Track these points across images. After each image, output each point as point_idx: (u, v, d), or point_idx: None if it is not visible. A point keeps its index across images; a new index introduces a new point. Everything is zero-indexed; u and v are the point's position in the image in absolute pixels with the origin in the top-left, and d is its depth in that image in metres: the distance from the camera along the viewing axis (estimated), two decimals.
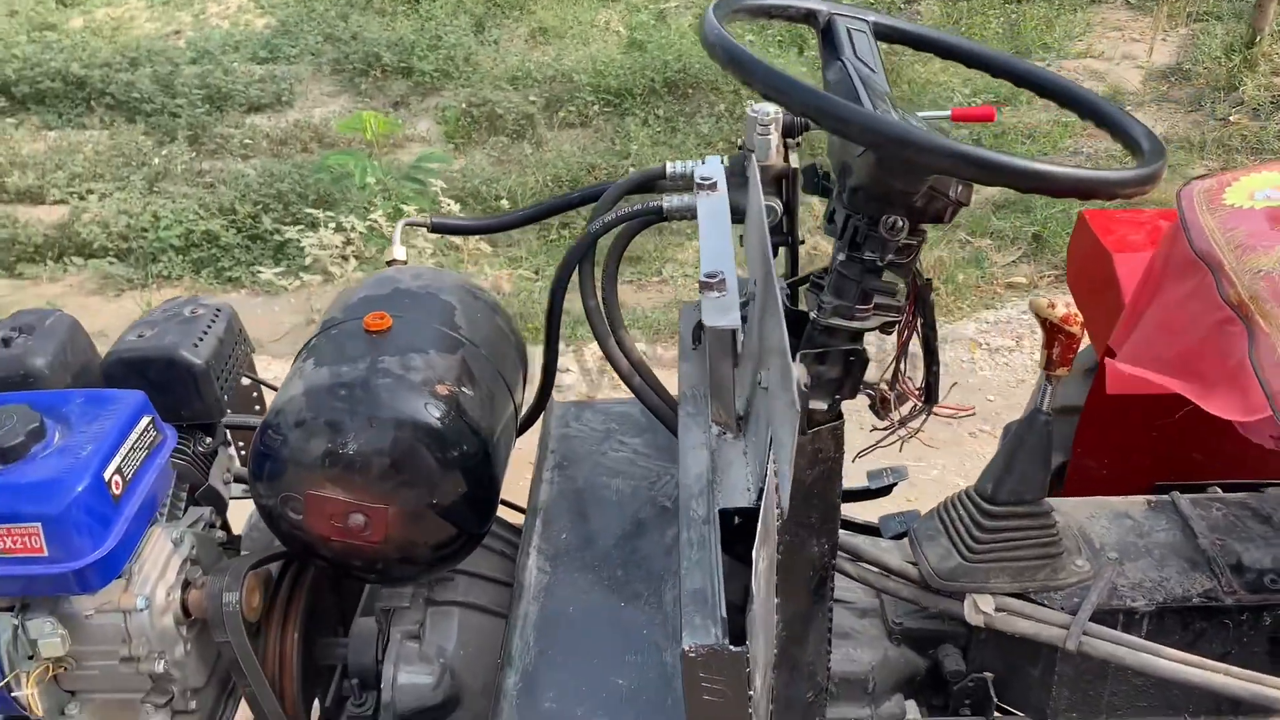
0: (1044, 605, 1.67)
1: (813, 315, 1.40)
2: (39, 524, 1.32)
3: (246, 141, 6.75)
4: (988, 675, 1.76)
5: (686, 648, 1.23)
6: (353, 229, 4.62)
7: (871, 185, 1.23)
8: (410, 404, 1.51)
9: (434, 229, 1.81)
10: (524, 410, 1.94)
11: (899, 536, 1.81)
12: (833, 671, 1.75)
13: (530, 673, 1.54)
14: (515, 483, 1.92)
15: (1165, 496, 1.88)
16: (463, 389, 1.56)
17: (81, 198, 5.98)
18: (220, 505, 1.73)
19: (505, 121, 6.77)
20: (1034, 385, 1.69)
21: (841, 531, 1.76)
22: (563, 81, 7.16)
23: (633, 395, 1.82)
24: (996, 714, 1.76)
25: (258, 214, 5.65)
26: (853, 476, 1.65)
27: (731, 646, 1.23)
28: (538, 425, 2.01)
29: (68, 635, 1.46)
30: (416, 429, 1.50)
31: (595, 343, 1.76)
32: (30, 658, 1.47)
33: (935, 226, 1.35)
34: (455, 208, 4.97)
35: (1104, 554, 1.75)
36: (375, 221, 4.76)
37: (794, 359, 1.37)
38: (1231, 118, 6.47)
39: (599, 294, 1.75)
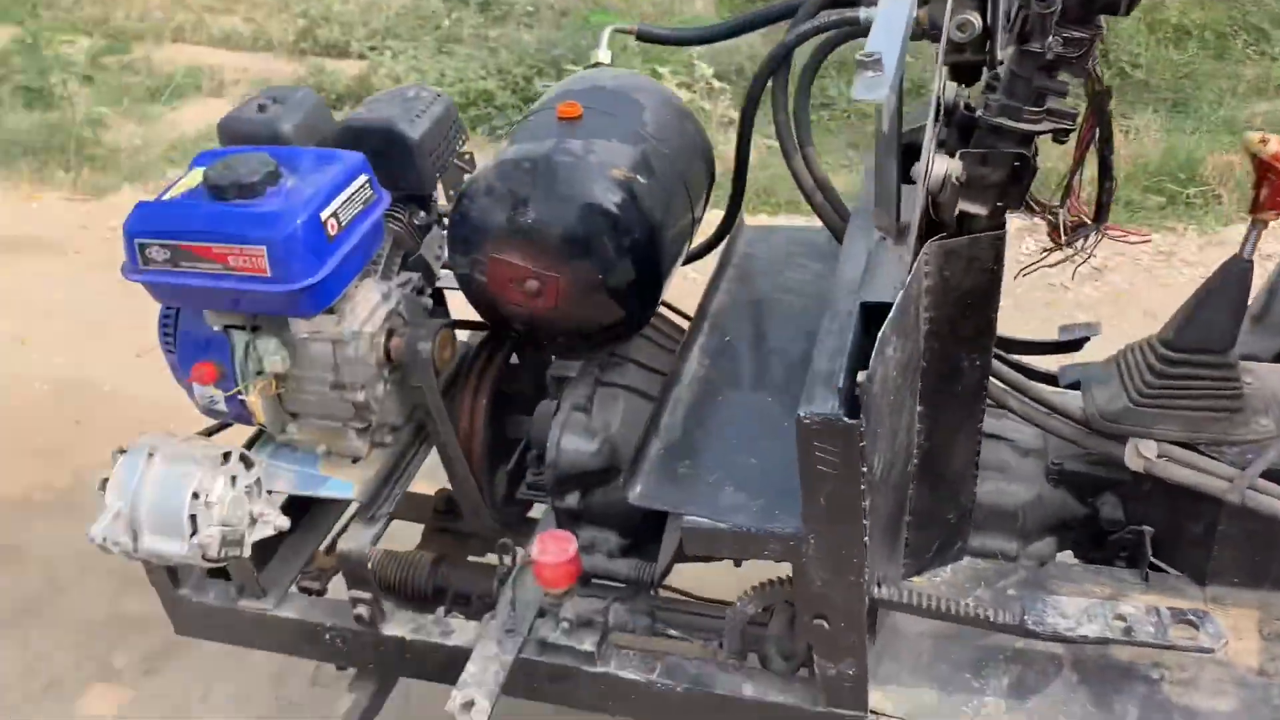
0: (1213, 458, 1.60)
1: (979, 114, 1.38)
2: (264, 247, 1.54)
3: (529, 9, 7.04)
4: (1147, 529, 1.71)
5: (802, 414, 1.29)
6: None
7: None
8: (587, 184, 1.62)
9: (640, 36, 1.89)
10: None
11: (1073, 386, 1.77)
12: (982, 502, 1.75)
13: (672, 444, 1.65)
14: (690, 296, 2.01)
15: None
16: (638, 178, 1.66)
17: (379, 53, 6.47)
18: (429, 275, 1.93)
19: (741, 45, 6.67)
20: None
21: (1015, 373, 1.74)
22: None
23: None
24: (1151, 570, 1.71)
25: (531, 76, 5.93)
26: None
27: (846, 418, 1.28)
28: None
29: (288, 356, 1.70)
30: (590, 207, 1.62)
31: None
32: (258, 373, 1.72)
33: (1113, 21, 1.29)
34: (708, 72, 5.05)
35: None
36: None
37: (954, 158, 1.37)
38: None
39: (790, 108, 1.77)
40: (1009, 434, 1.82)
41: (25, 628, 2.68)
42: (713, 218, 1.99)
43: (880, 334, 1.29)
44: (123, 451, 1.67)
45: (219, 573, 1.96)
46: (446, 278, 1.96)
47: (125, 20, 7.40)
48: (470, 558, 2.15)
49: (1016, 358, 1.86)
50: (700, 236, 2.02)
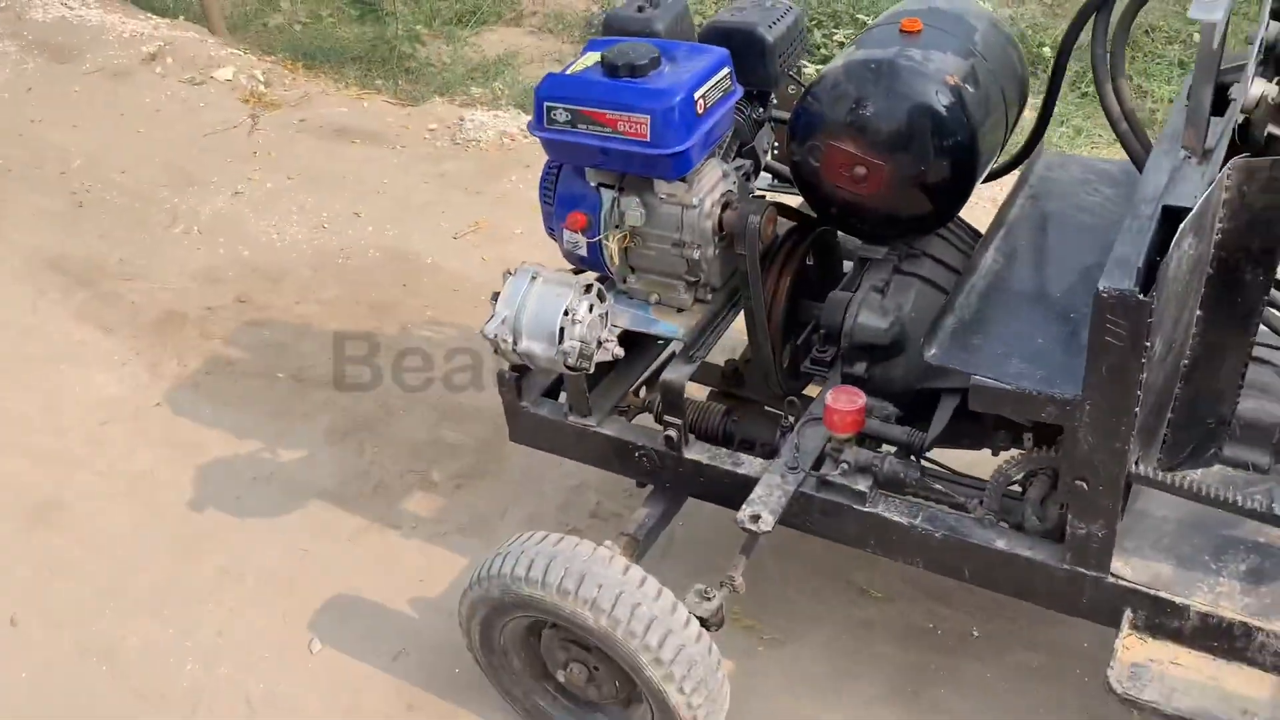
0: None
1: None
2: (648, 115, 1.89)
3: None
4: None
5: (1101, 288, 1.53)
6: None
7: None
8: (923, 86, 1.89)
9: None
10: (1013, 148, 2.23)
11: None
12: (1242, 415, 1.92)
13: (966, 320, 1.91)
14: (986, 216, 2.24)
15: None
16: (966, 86, 1.91)
17: None
18: (757, 165, 2.25)
19: None
20: None
21: None
22: None
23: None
24: None
25: (807, 37, 6.16)
26: None
27: (1140, 295, 1.50)
28: None
29: (644, 214, 2.06)
30: (923, 106, 1.89)
31: None
32: (617, 226, 2.09)
33: None
34: None
35: None
36: None
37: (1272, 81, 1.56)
38: None
39: (1108, 44, 1.97)
40: (1277, 359, 1.97)
41: (361, 439, 3.21)
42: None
43: (1180, 229, 1.50)
44: (510, 273, 2.08)
45: (552, 393, 2.37)
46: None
47: None
48: None
49: None
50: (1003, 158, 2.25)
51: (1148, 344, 1.54)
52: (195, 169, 4.62)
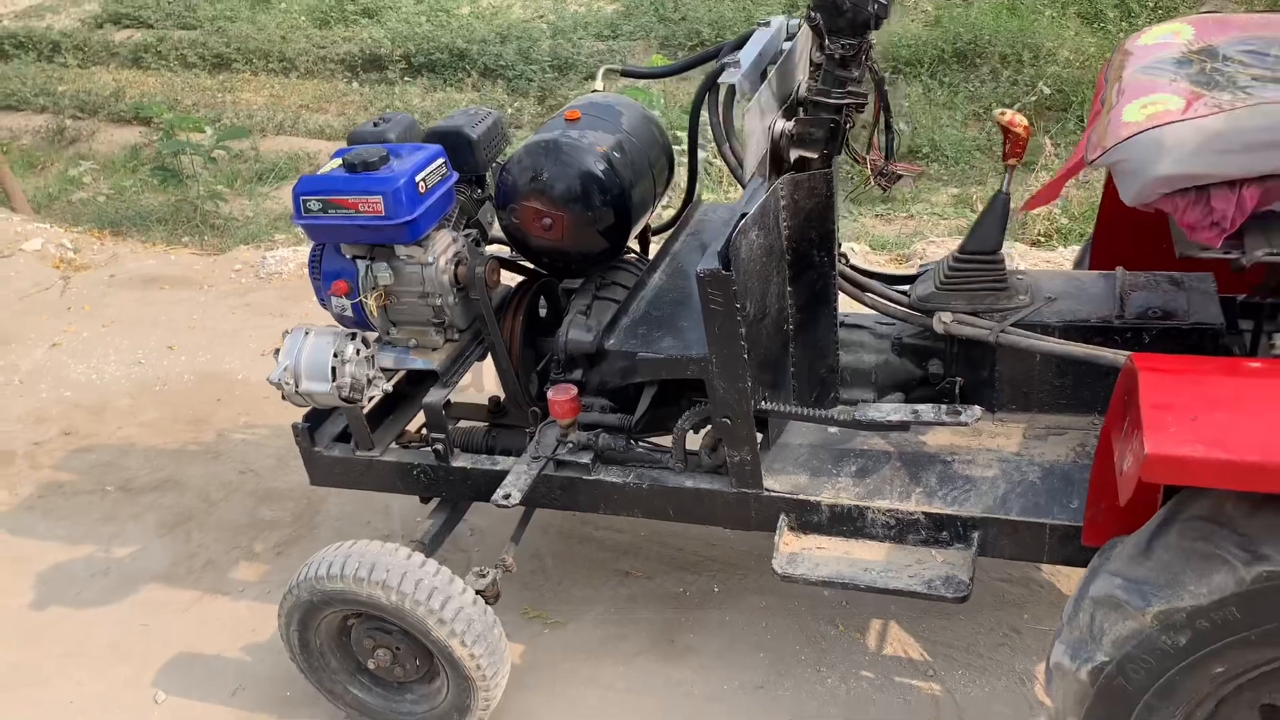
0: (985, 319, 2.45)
1: (803, 94, 2.29)
2: (380, 196, 2.50)
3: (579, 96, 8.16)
4: (958, 379, 2.55)
5: (699, 270, 2.19)
6: None
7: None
8: (581, 155, 2.57)
9: (624, 74, 2.86)
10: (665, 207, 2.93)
11: (914, 278, 2.64)
12: (848, 366, 2.61)
13: (635, 319, 2.56)
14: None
15: (1113, 270, 2.56)
16: (614, 154, 2.60)
17: None
18: (484, 232, 2.88)
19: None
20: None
21: (870, 280, 2.61)
22: None
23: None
24: (961, 405, 2.54)
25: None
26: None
27: (723, 270, 2.17)
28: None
29: (392, 275, 2.65)
30: (583, 170, 2.56)
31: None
32: (373, 288, 2.67)
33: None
34: None
35: (1044, 295, 2.49)
36: None
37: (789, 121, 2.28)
38: None
39: (720, 113, 2.70)
40: (868, 323, 2.69)
41: (188, 529, 3.61)
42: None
43: (743, 224, 2.19)
44: (287, 332, 2.62)
45: (342, 439, 2.89)
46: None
47: (235, 119, 8.69)
48: None
49: (880, 279, 2.73)
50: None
51: (738, 305, 2.20)
52: (11, 329, 4.97)
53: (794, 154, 2.31)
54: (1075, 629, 1.91)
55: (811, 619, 2.96)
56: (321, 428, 2.89)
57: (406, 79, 9.08)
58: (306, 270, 5.36)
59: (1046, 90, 7.10)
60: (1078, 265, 3.06)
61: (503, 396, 3.11)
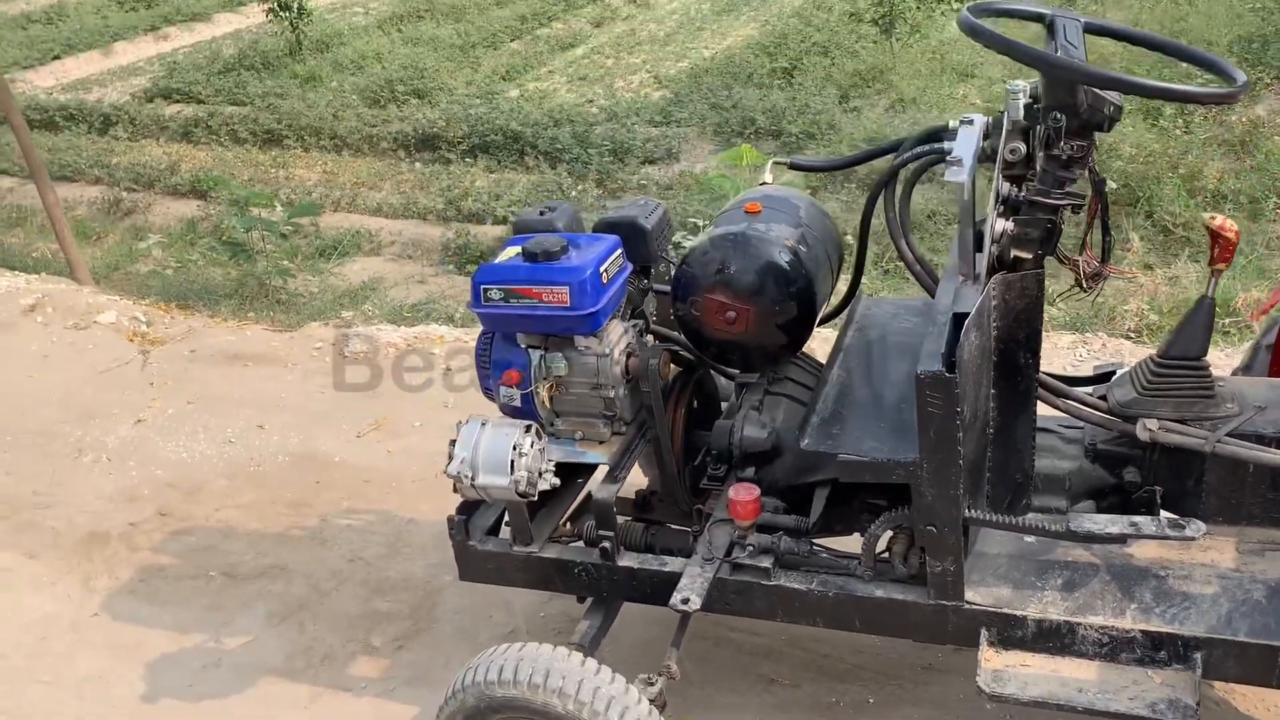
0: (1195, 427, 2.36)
1: (1022, 195, 2.24)
2: (567, 287, 2.43)
3: (642, 184, 8.20)
4: (1157, 488, 2.45)
5: (919, 372, 2.11)
6: None
7: (1049, 98, 2.08)
8: (768, 248, 2.51)
9: (793, 166, 2.82)
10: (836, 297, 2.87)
11: (1105, 377, 2.56)
12: (1040, 472, 2.52)
13: (826, 417, 2.47)
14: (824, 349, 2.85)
15: None
16: (800, 247, 2.54)
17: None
18: (647, 324, 2.81)
19: (857, 173, 7.75)
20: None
21: (1061, 384, 2.54)
22: None
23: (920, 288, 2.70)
24: (1182, 519, 2.42)
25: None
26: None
27: (947, 373, 2.09)
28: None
29: (567, 365, 2.57)
30: (771, 263, 2.50)
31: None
32: (545, 378, 2.59)
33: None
34: None
35: (1252, 404, 2.40)
36: None
37: (1008, 220, 2.23)
38: None
39: (897, 209, 2.65)
40: (1057, 428, 2.60)
41: (301, 619, 3.48)
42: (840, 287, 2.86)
43: (965, 325, 2.12)
44: (462, 423, 2.53)
45: (493, 531, 2.78)
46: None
47: (293, 195, 8.73)
48: None
49: (1061, 381, 2.65)
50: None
51: (959, 410, 2.12)
52: (94, 404, 4.88)
53: (1012, 254, 2.25)
54: None
55: None
56: (474, 519, 2.78)
57: (466, 159, 9.14)
58: (390, 351, 5.32)
59: (1114, 184, 7.12)
60: (1245, 370, 2.98)
61: (649, 490, 3.02)
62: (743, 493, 2.46)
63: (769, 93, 9.64)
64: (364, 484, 4.14)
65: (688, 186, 8.01)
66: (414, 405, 4.64)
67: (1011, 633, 2.32)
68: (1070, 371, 4.76)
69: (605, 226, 2.70)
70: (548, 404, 2.59)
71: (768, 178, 2.82)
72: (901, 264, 2.67)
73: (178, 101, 11.49)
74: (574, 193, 8.03)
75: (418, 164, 9.29)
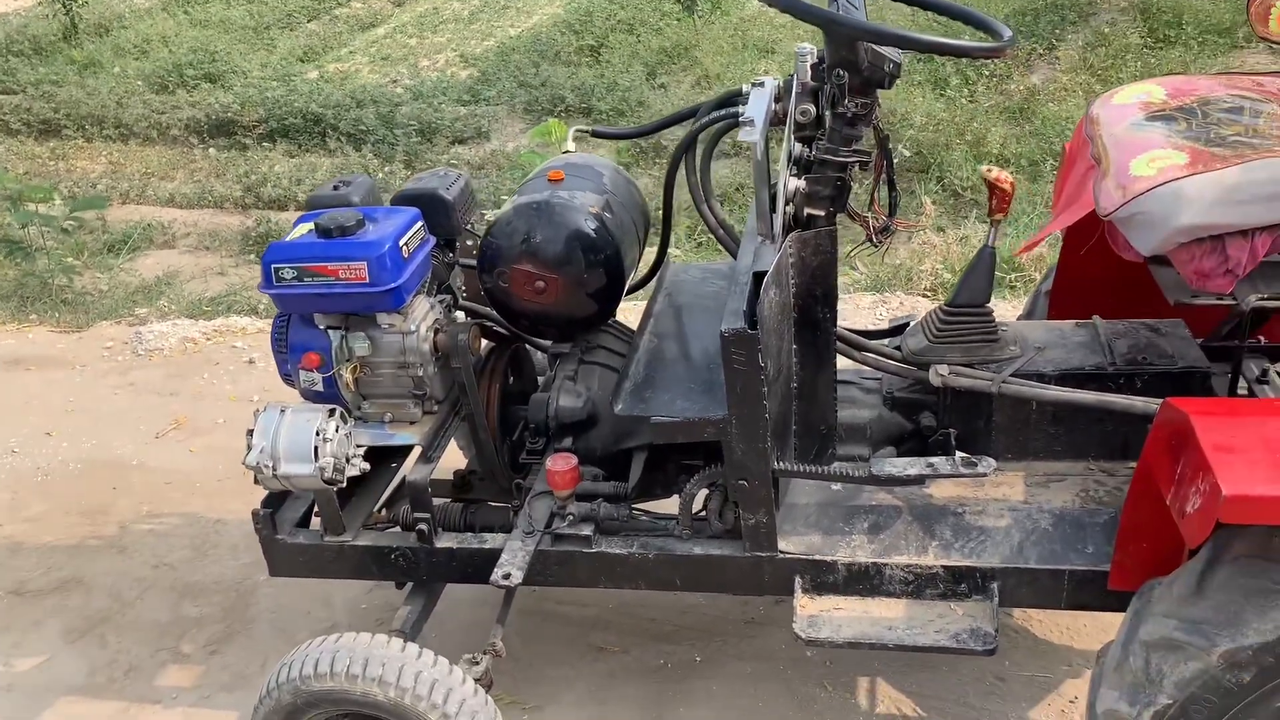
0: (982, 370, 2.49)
1: (812, 154, 2.29)
2: (364, 262, 2.35)
3: (452, 163, 8.04)
4: (951, 430, 2.58)
5: (724, 330, 2.14)
6: None
7: (832, 57, 2.14)
8: (574, 215, 2.49)
9: (594, 134, 2.81)
10: (644, 266, 2.89)
11: (899, 329, 2.66)
12: (843, 422, 2.60)
13: (639, 382, 2.48)
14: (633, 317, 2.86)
15: (1090, 320, 2.66)
16: (605, 214, 2.54)
17: None
18: (454, 297, 2.75)
19: (665, 147, 7.84)
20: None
21: (860, 337, 2.62)
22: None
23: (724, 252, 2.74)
24: (974, 457, 2.54)
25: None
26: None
27: (749, 329, 2.13)
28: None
29: (370, 345, 2.49)
30: (577, 230, 2.48)
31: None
32: (347, 360, 2.50)
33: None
34: None
35: (1032, 345, 2.55)
36: None
37: (800, 179, 2.28)
38: None
39: (698, 174, 2.67)
40: (856, 379, 2.70)
41: (102, 632, 3.26)
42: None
43: (764, 282, 2.16)
44: (259, 411, 2.41)
45: (303, 523, 2.67)
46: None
47: (76, 188, 8.16)
48: None
49: (859, 335, 2.75)
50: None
51: (763, 365, 2.16)
52: None
53: (806, 212, 2.31)
54: (1127, 674, 1.93)
55: (799, 682, 2.91)
56: (280, 513, 2.67)
57: (264, 144, 8.74)
58: (189, 346, 5.05)
59: (907, 152, 7.45)
60: (1027, 315, 3.16)
61: (467, 470, 2.97)
62: (560, 463, 2.44)
63: (577, 70, 9.60)
64: (165, 486, 3.91)
65: (500, 165, 7.91)
66: (216, 402, 4.42)
67: (824, 578, 2.40)
68: (871, 328, 4.99)
69: (404, 199, 2.63)
70: (352, 386, 2.50)
71: (570, 146, 2.80)
72: (712, 236, 2.70)
73: None
74: (380, 174, 7.80)
75: (212, 150, 8.82)
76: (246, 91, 9.62)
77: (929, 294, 5.67)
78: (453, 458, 2.86)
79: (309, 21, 12.36)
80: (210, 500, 3.82)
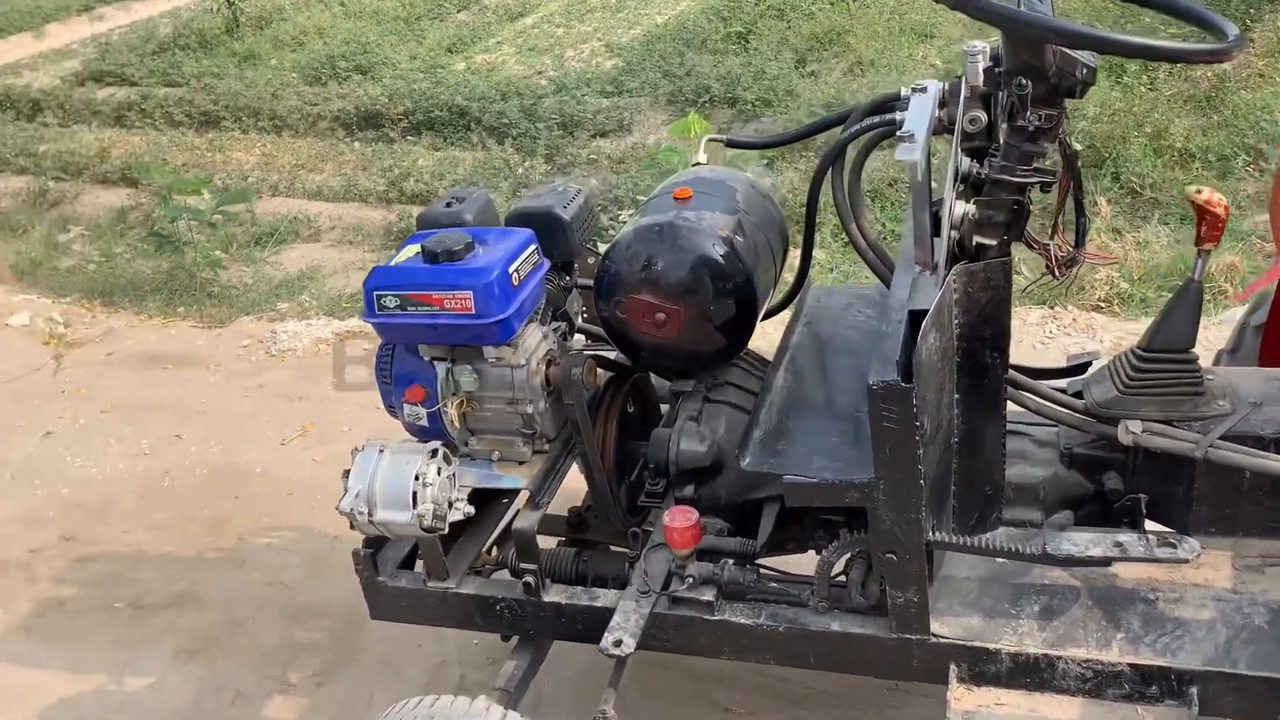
0: (1183, 430, 2.09)
1: (984, 172, 1.94)
2: (470, 291, 2.13)
3: (592, 158, 7.86)
4: (1141, 496, 2.19)
5: (872, 383, 1.82)
6: None
7: (1012, 61, 1.79)
8: (700, 240, 2.21)
9: (729, 144, 2.52)
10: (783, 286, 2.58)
11: (1078, 395, 2.28)
12: (1011, 481, 2.24)
13: (770, 431, 2.18)
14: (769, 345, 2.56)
15: None
16: (736, 236, 2.24)
17: None
18: (571, 326, 2.50)
19: (815, 141, 7.44)
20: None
21: (1032, 381, 2.26)
22: None
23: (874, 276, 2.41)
24: (1149, 526, 2.18)
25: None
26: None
27: (903, 383, 1.81)
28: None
29: (477, 379, 2.27)
30: (704, 257, 2.20)
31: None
32: (453, 394, 2.28)
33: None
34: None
35: (1245, 400, 2.14)
36: None
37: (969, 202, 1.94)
38: None
39: (846, 189, 2.36)
40: (1028, 430, 2.33)
41: (212, 655, 3.18)
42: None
43: (922, 326, 1.83)
44: (357, 450, 2.22)
45: (406, 565, 2.48)
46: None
47: (228, 180, 8.33)
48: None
49: (1030, 375, 2.37)
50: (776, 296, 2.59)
51: (918, 423, 1.84)
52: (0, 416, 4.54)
53: (975, 240, 1.96)
54: None
55: None
56: (384, 552, 2.48)
57: (409, 137, 8.75)
58: (320, 348, 4.99)
59: (1079, 146, 6.84)
60: (1231, 352, 2.72)
61: (584, 506, 2.73)
62: (679, 519, 2.17)
63: (724, 59, 9.28)
64: (287, 497, 3.83)
65: (640, 159, 7.68)
66: (346, 407, 4.32)
67: (984, 668, 2.06)
68: (1039, 349, 4.53)
69: (518, 219, 2.39)
70: (458, 422, 2.29)
71: (701, 157, 2.51)
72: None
73: (110, 84, 10.98)
74: (521, 169, 7.67)
75: (358, 144, 8.89)
76: (394, 84, 9.68)
77: (1104, 305, 5.16)
78: (576, 486, 2.61)
79: (459, 11, 12.40)
80: (330, 514, 3.64)
